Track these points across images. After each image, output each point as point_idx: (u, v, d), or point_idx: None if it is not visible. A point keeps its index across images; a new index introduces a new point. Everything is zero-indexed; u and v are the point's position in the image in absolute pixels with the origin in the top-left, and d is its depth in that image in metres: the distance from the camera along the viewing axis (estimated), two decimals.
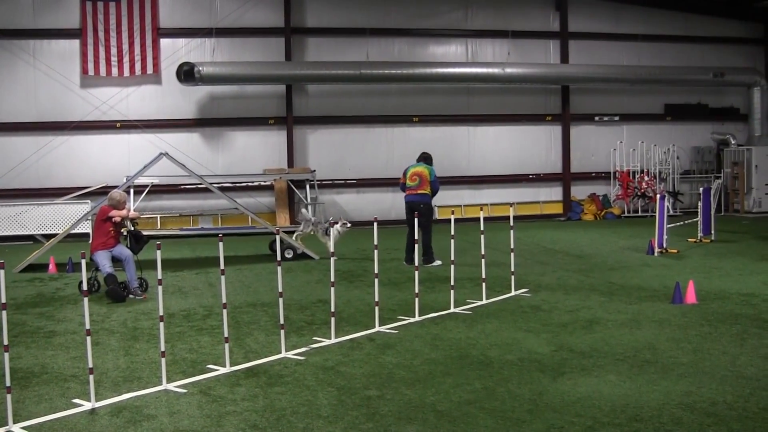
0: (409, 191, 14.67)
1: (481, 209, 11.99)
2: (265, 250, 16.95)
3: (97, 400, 6.41)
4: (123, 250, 11.83)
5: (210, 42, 22.74)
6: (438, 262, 14.33)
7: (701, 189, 17.78)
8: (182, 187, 22.08)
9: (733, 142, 26.46)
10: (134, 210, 13.17)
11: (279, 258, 8.04)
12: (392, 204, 23.88)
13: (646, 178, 25.12)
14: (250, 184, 23.09)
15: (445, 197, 21.99)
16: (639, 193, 25.14)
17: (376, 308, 9.20)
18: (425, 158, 15.13)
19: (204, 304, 10.99)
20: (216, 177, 21.35)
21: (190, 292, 12.11)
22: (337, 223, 15.63)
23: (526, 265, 14.10)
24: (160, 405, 6.37)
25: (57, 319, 10.11)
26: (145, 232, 12.74)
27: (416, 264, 10.19)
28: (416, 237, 10.93)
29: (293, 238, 15.97)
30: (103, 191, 18.64)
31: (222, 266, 7.46)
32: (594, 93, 25.86)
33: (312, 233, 16.19)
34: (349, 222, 15.98)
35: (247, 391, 6.69)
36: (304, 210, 18.04)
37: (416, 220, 10.79)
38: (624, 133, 26.24)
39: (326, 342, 8.43)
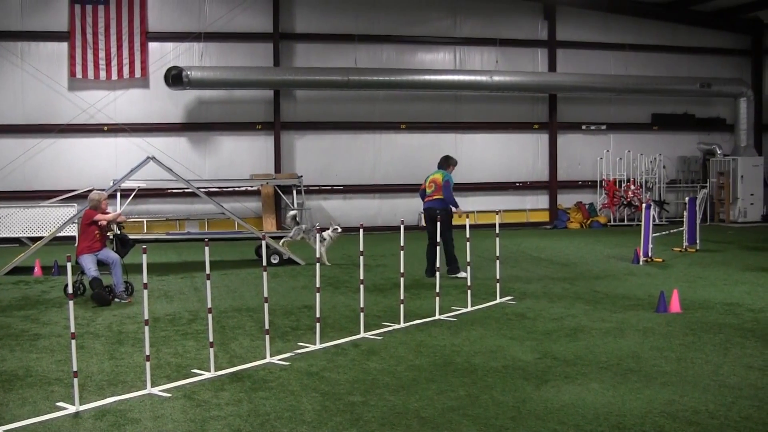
0: (427, 198, 14.09)
1: (467, 216, 12.02)
2: (251, 255, 16.92)
3: (81, 404, 6.38)
4: (109, 254, 11.80)
5: (198, 46, 22.72)
6: (463, 274, 12.89)
7: (687, 198, 17.87)
8: (169, 191, 22.04)
9: (719, 152, 26.66)
10: (119, 213, 13.11)
11: (265, 263, 8.05)
12: (378, 210, 23.94)
13: (632, 187, 25.26)
14: (236, 188, 23.07)
15: None
16: (625, 202, 25.27)
17: (362, 314, 9.20)
18: (443, 162, 14.45)
19: (189, 309, 10.97)
20: (203, 181, 21.34)
21: (175, 297, 12.08)
22: (327, 228, 15.62)
23: (512, 272, 14.15)
24: (144, 409, 6.35)
25: (42, 322, 10.07)
26: (131, 236, 12.72)
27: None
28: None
29: (280, 243, 15.96)
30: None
31: (208, 271, 7.44)
32: (581, 102, 26.01)
33: (302, 239, 16.15)
34: (340, 227, 15.97)
35: (232, 396, 6.69)
36: (292, 212, 17.84)
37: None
38: (611, 142, 26.40)
39: (311, 347, 8.43)
